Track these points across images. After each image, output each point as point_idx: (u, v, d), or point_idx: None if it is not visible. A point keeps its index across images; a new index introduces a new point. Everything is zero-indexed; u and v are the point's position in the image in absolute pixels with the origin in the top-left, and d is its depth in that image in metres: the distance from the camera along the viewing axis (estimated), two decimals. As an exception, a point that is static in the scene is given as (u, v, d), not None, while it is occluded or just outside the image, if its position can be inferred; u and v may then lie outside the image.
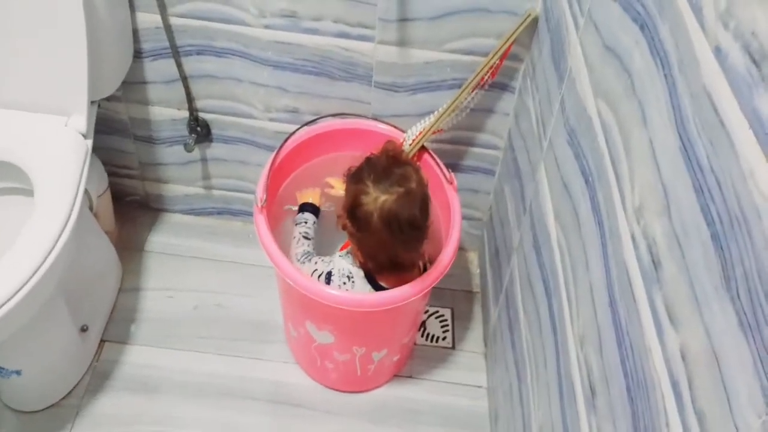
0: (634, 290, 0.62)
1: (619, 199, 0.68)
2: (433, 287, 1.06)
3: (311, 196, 1.19)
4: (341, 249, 1.15)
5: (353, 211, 0.97)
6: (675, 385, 0.52)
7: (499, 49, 1.11)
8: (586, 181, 0.79)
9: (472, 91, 1.16)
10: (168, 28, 1.16)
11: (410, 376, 1.32)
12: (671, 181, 0.57)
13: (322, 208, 1.22)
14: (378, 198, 0.94)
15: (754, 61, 0.46)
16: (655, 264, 0.58)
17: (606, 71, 0.76)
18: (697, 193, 0.52)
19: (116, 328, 1.32)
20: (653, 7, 0.64)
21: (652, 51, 0.64)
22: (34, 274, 0.92)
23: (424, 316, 1.39)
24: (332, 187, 1.22)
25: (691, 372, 0.50)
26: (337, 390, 1.28)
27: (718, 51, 0.51)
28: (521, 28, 1.09)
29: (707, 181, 0.50)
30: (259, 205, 1.08)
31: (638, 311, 0.60)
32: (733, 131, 0.47)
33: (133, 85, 1.27)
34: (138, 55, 1.22)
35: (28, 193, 1.05)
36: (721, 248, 0.47)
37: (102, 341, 1.30)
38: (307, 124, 1.23)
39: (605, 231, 0.71)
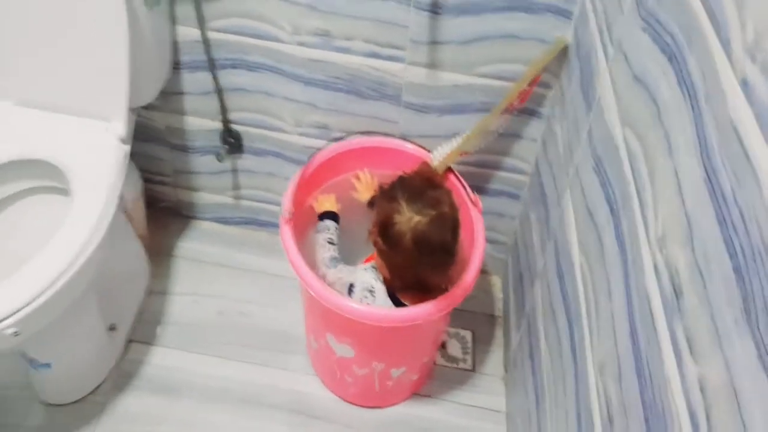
0: (655, 320, 0.61)
1: (643, 228, 0.68)
2: (455, 309, 1.06)
3: (328, 203, 1.21)
4: (365, 261, 1.16)
5: (385, 229, 0.98)
6: (693, 417, 0.52)
7: (529, 74, 1.12)
8: (611, 209, 0.79)
9: (501, 116, 1.16)
10: (206, 42, 1.20)
11: (429, 396, 1.32)
12: (695, 211, 0.57)
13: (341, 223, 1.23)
14: (411, 218, 0.95)
15: (781, 96, 0.46)
16: (677, 294, 0.58)
17: (634, 101, 0.76)
18: (721, 225, 0.52)
19: (143, 329, 1.35)
20: (681, 38, 0.65)
21: (679, 82, 0.64)
22: (67, 270, 0.96)
23: (445, 337, 1.39)
24: (356, 189, 1.24)
25: (709, 404, 0.50)
26: (355, 404, 1.28)
27: (744, 84, 0.51)
28: (551, 56, 1.10)
29: (731, 213, 0.50)
30: (286, 216, 1.09)
31: (659, 341, 0.60)
32: (758, 164, 0.47)
33: (170, 95, 1.30)
34: (176, 66, 1.26)
35: (66, 192, 1.09)
36: (743, 281, 0.47)
37: (129, 341, 1.33)
38: (335, 140, 1.25)
39: (628, 259, 0.71)
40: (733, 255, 0.49)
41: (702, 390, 0.51)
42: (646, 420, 0.60)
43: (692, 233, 0.56)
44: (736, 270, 0.48)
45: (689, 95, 0.61)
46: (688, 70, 0.63)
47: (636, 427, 0.62)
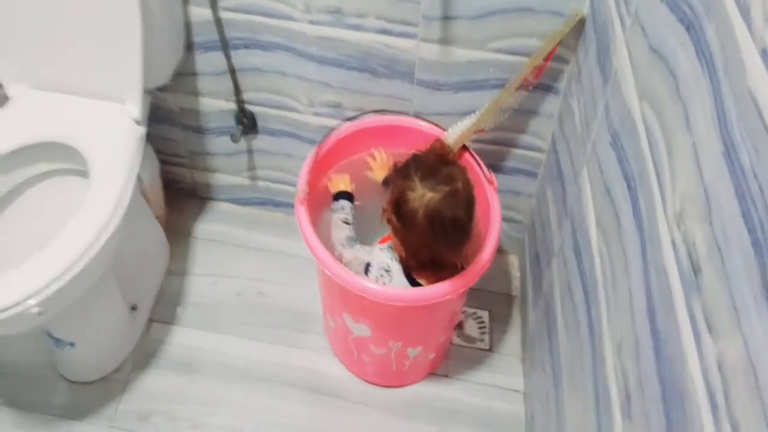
0: (674, 297, 0.60)
1: (661, 204, 0.66)
2: (472, 288, 1.06)
3: (342, 183, 1.21)
4: (381, 242, 1.16)
5: (398, 207, 0.97)
6: (711, 395, 0.51)
7: (544, 49, 1.10)
8: (629, 186, 0.77)
9: (516, 92, 1.15)
10: (218, 22, 1.19)
11: (446, 375, 1.32)
12: (713, 186, 0.55)
13: (357, 203, 1.23)
14: (424, 195, 0.95)
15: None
16: (695, 271, 0.57)
17: (651, 73, 0.74)
18: (740, 199, 0.50)
19: (163, 309, 1.38)
20: (700, 8, 0.63)
21: (698, 53, 0.62)
22: (88, 250, 0.97)
23: (462, 317, 1.39)
24: (371, 168, 1.24)
25: (727, 382, 0.49)
26: (373, 383, 1.29)
27: (764, 53, 0.49)
28: (568, 29, 1.07)
29: (750, 188, 0.49)
30: (301, 197, 1.09)
31: (677, 319, 0.59)
32: (779, 137, 0.46)
33: (183, 76, 1.30)
34: (189, 47, 1.26)
35: (84, 174, 1.10)
36: (762, 256, 0.46)
37: (150, 321, 1.35)
38: (349, 119, 1.25)
39: (645, 236, 0.70)
40: (752, 229, 0.48)
41: (720, 368, 0.50)
42: (664, 398, 0.59)
43: (711, 208, 0.55)
44: (755, 244, 0.47)
45: (708, 66, 0.60)
46: (706, 41, 0.61)
47: (653, 405, 0.62)
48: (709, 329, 0.52)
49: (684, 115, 0.64)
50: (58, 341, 1.16)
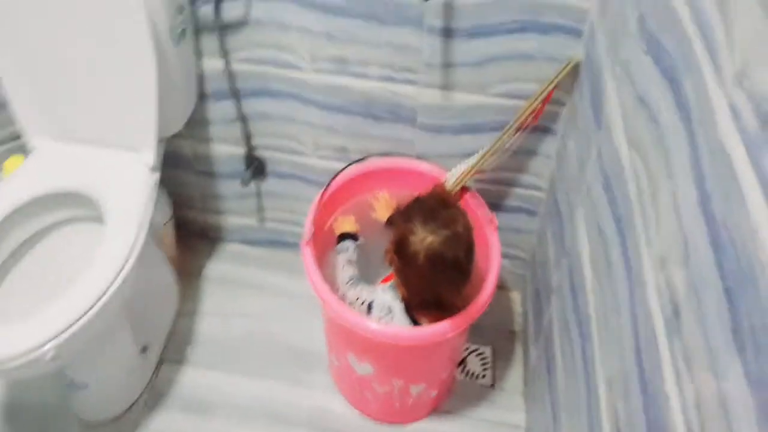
0: (657, 338, 0.63)
1: (646, 247, 0.69)
2: (475, 325, 1.08)
3: (347, 225, 1.25)
4: (384, 281, 1.19)
5: (400, 249, 1.01)
6: (690, 434, 0.53)
7: (541, 93, 1.14)
8: (618, 227, 0.80)
9: (515, 134, 1.18)
10: (230, 73, 1.25)
11: (449, 412, 1.33)
12: (691, 232, 0.58)
13: (361, 242, 1.26)
14: (425, 238, 0.98)
15: (763, 121, 0.48)
16: (676, 314, 0.59)
17: (638, 121, 0.78)
18: (713, 247, 0.53)
19: (174, 349, 1.41)
20: (680, 62, 0.67)
21: (677, 104, 0.66)
22: (102, 297, 1.01)
23: (465, 353, 1.40)
24: (375, 209, 1.27)
25: (704, 421, 0.51)
26: (377, 420, 1.31)
27: (733, 109, 0.53)
28: (562, 75, 1.11)
29: (721, 236, 0.52)
30: (306, 238, 1.13)
31: (660, 359, 0.61)
32: (745, 189, 0.49)
33: (196, 123, 1.36)
34: (202, 96, 1.31)
35: (98, 220, 1.15)
36: (732, 302, 0.49)
37: (160, 361, 1.38)
38: (354, 162, 1.29)
39: (633, 277, 0.72)
40: (723, 276, 0.51)
41: (698, 408, 0.52)
42: (651, 436, 0.61)
43: (689, 254, 0.58)
44: (727, 291, 0.50)
45: (686, 118, 0.63)
46: (684, 94, 0.64)
47: (642, 443, 0.64)
48: (688, 369, 0.55)
49: (666, 163, 0.67)
50: (72, 383, 1.20)
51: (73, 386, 1.20)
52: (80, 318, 0.97)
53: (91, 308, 0.98)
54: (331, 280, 1.14)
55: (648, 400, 0.63)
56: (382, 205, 1.27)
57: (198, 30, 1.21)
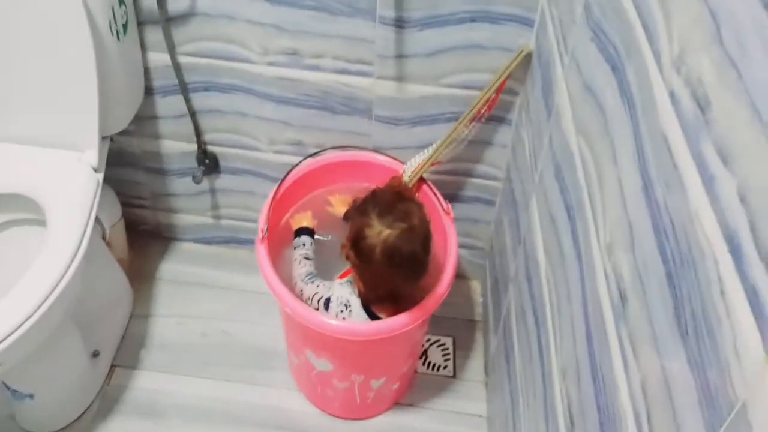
0: (606, 325, 0.63)
1: (595, 234, 0.70)
2: (436, 315, 1.08)
3: (304, 220, 1.23)
4: (341, 276, 1.17)
5: (357, 243, 1.00)
6: (637, 419, 0.54)
7: (494, 83, 1.14)
8: (569, 215, 0.81)
9: (469, 124, 1.19)
10: (176, 67, 1.21)
11: (411, 405, 1.33)
12: (636, 218, 0.59)
13: (318, 237, 1.25)
14: (381, 232, 0.98)
15: (700, 107, 0.48)
16: (623, 300, 0.60)
17: (585, 109, 0.78)
18: (656, 232, 0.54)
19: (127, 353, 1.37)
20: (622, 49, 0.67)
21: (621, 92, 0.66)
22: (44, 302, 0.97)
23: (426, 345, 1.41)
24: (331, 205, 1.25)
25: (650, 406, 0.52)
26: (338, 417, 1.30)
27: (672, 95, 0.53)
28: (515, 64, 1.12)
29: (664, 221, 0.52)
30: (261, 236, 1.11)
31: (609, 346, 0.62)
32: (684, 173, 0.50)
33: (144, 120, 1.32)
34: (149, 91, 1.28)
35: (41, 223, 1.10)
36: (674, 287, 0.49)
37: (113, 366, 1.34)
38: (310, 156, 1.27)
39: (583, 265, 0.73)
40: (666, 261, 0.51)
41: (644, 392, 0.53)
42: (601, 424, 0.62)
43: (634, 240, 0.58)
44: (669, 276, 0.50)
45: (629, 105, 0.64)
46: (627, 81, 0.65)
47: (593, 430, 0.64)
48: (635, 355, 0.55)
49: (612, 150, 0.67)
50: (15, 393, 1.15)
51: (18, 396, 1.15)
52: (21, 325, 0.93)
53: (32, 315, 0.94)
54: (288, 277, 1.13)
55: (598, 386, 0.63)
56: (339, 200, 1.26)
57: (142, 23, 1.18)
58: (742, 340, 0.39)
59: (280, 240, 1.21)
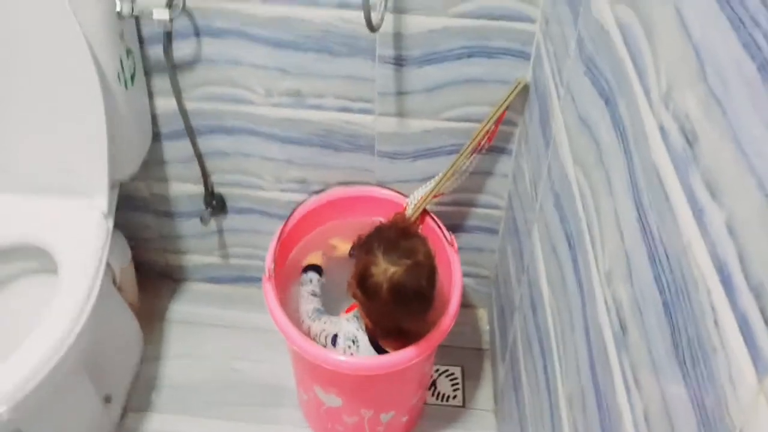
0: (608, 353, 0.64)
1: (594, 264, 0.71)
2: (443, 346, 1.08)
3: (313, 259, 1.25)
4: (347, 311, 1.19)
5: (363, 281, 1.01)
6: (643, 447, 0.54)
7: (493, 115, 1.16)
8: (569, 245, 0.82)
9: (470, 156, 1.21)
10: (183, 112, 1.25)
11: (422, 437, 1.33)
12: (632, 249, 0.60)
13: (324, 275, 1.26)
14: (387, 269, 0.99)
15: (688, 142, 0.50)
16: (623, 329, 0.61)
17: (581, 141, 0.80)
18: (651, 262, 0.55)
19: (139, 397, 1.37)
20: (614, 84, 0.69)
21: (614, 125, 0.68)
22: (57, 351, 0.98)
23: (435, 375, 1.41)
24: (335, 247, 1.27)
25: (654, 434, 0.52)
26: (350, 452, 1.29)
27: (662, 129, 0.55)
28: (512, 96, 1.14)
29: (658, 251, 0.54)
30: (267, 275, 1.13)
31: (612, 374, 0.63)
32: (675, 205, 0.51)
33: (152, 164, 1.35)
34: (156, 137, 1.31)
35: (53, 272, 1.12)
36: (671, 315, 0.50)
37: (125, 411, 1.35)
38: (315, 193, 1.30)
39: (585, 294, 0.74)
40: (662, 291, 0.52)
41: (646, 420, 0.53)
42: (609, 451, 0.62)
43: (631, 270, 0.60)
44: (665, 305, 0.52)
45: (622, 137, 0.66)
46: (619, 114, 0.67)
47: (602, 458, 0.65)
48: (636, 384, 0.56)
49: (607, 181, 0.69)
50: (28, 443, 1.15)
51: (31, 445, 1.15)
52: (34, 376, 0.94)
53: (45, 365, 0.95)
54: (295, 315, 1.14)
55: (603, 414, 0.64)
56: (341, 243, 1.28)
57: (149, 71, 1.21)
58: (736, 368, 0.40)
59: (287, 277, 1.23)
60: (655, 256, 0.54)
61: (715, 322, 0.43)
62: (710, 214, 0.45)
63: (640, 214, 0.59)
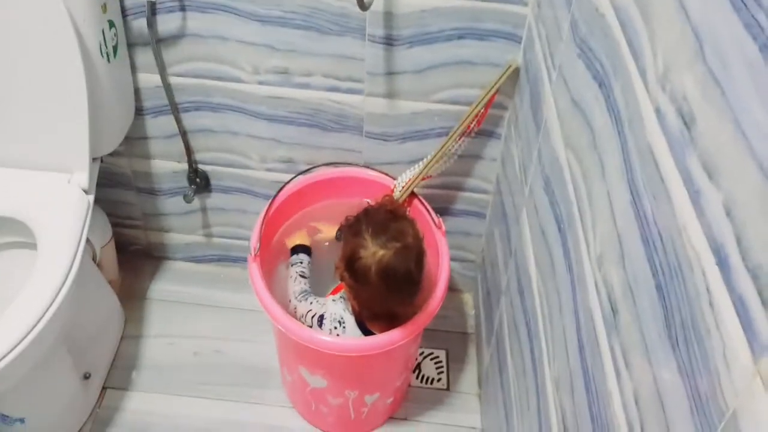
0: (598, 336, 0.64)
1: (585, 247, 0.71)
2: (428, 329, 1.08)
3: (300, 238, 1.23)
4: (333, 293, 1.18)
5: (351, 264, 1.00)
6: (631, 428, 0.54)
7: (483, 98, 1.16)
8: (559, 228, 0.82)
9: (459, 139, 1.20)
10: (167, 87, 1.22)
11: (405, 419, 1.33)
12: (625, 231, 0.60)
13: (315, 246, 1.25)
14: (376, 252, 0.98)
15: (685, 123, 0.50)
16: (614, 311, 0.61)
17: (573, 124, 0.80)
18: (645, 245, 0.55)
19: (118, 375, 1.36)
20: (608, 66, 0.69)
21: (608, 108, 0.68)
22: (35, 326, 0.96)
23: (420, 358, 1.41)
24: (320, 231, 1.26)
25: (642, 416, 0.52)
26: (333, 433, 1.30)
27: (658, 112, 0.55)
28: (503, 79, 1.14)
29: (652, 234, 0.54)
30: (253, 254, 1.12)
31: (601, 357, 0.63)
32: (671, 187, 0.51)
33: (135, 140, 1.33)
34: (139, 112, 1.28)
35: (33, 247, 1.10)
36: (664, 298, 0.50)
37: (104, 388, 1.33)
38: (301, 173, 1.28)
39: (575, 278, 0.74)
40: (655, 273, 0.52)
41: (636, 403, 0.54)
42: (596, 433, 0.63)
43: (623, 252, 0.60)
44: (658, 287, 0.51)
45: (616, 121, 0.65)
46: (614, 97, 0.66)
47: (589, 440, 0.65)
48: (627, 366, 0.56)
49: (600, 165, 0.69)
50: (6, 418, 1.13)
51: (9, 421, 1.14)
52: (11, 350, 0.92)
53: (22, 340, 0.94)
54: (281, 295, 1.13)
55: (591, 397, 0.64)
56: (325, 226, 1.26)
57: (132, 44, 1.19)
58: (731, 350, 0.40)
59: (271, 257, 1.22)
60: (649, 239, 0.54)
61: (710, 304, 0.43)
62: (707, 196, 0.45)
63: (633, 197, 0.58)
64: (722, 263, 0.42)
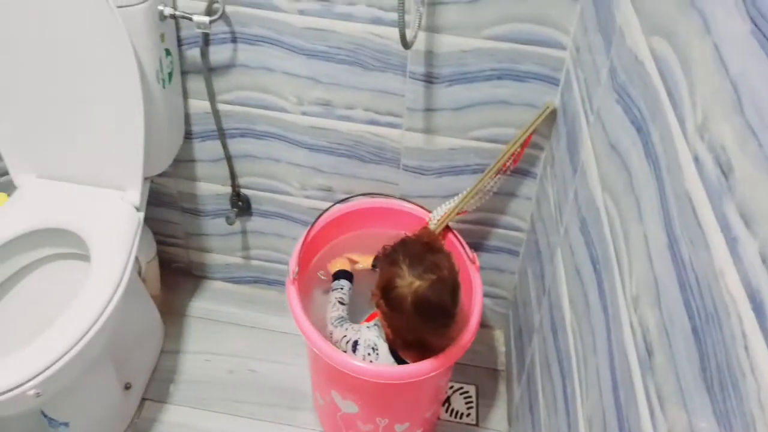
0: (633, 376, 0.65)
1: (621, 288, 0.72)
2: (459, 363, 1.09)
3: (342, 264, 1.26)
4: (367, 320, 1.20)
5: (387, 292, 1.02)
6: (664, 470, 0.55)
7: (520, 138, 1.18)
8: (595, 269, 0.83)
9: (495, 176, 1.22)
10: (216, 113, 1.28)
11: (433, 451, 1.33)
12: (661, 274, 0.61)
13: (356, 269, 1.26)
14: (412, 283, 1.00)
15: (723, 172, 0.51)
16: (649, 353, 0.62)
17: (610, 167, 0.82)
18: (681, 288, 0.56)
19: (156, 387, 1.40)
20: (647, 112, 0.71)
21: (646, 153, 0.70)
22: (86, 333, 1.01)
23: (449, 392, 1.41)
24: (356, 262, 1.29)
25: (677, 458, 0.53)
26: (361, 461, 1.30)
27: (696, 160, 0.57)
28: (540, 120, 1.16)
29: (689, 278, 0.55)
30: (292, 277, 1.15)
31: (636, 397, 0.63)
32: (708, 233, 0.52)
33: (182, 162, 1.38)
34: (188, 136, 1.34)
35: (83, 258, 1.15)
36: (700, 341, 0.51)
37: (143, 399, 1.37)
38: (339, 201, 1.32)
39: (610, 318, 0.75)
40: (691, 316, 0.54)
41: (670, 444, 0.54)
42: (628, 473, 0.63)
43: (659, 295, 0.61)
44: (694, 330, 0.53)
45: (654, 166, 0.67)
46: (652, 142, 0.68)
47: (620, 480, 0.65)
48: (662, 407, 0.57)
49: (637, 208, 0.70)
50: (52, 421, 1.18)
51: (54, 424, 1.18)
52: (64, 355, 0.97)
53: (74, 346, 0.98)
54: (316, 319, 1.15)
55: (625, 437, 0.65)
56: (361, 257, 1.29)
57: (185, 72, 1.25)
58: (766, 394, 0.41)
59: (308, 281, 1.25)
60: (686, 282, 0.55)
61: (746, 348, 0.44)
62: (744, 243, 0.47)
63: (671, 241, 0.60)
64: (758, 309, 0.43)
